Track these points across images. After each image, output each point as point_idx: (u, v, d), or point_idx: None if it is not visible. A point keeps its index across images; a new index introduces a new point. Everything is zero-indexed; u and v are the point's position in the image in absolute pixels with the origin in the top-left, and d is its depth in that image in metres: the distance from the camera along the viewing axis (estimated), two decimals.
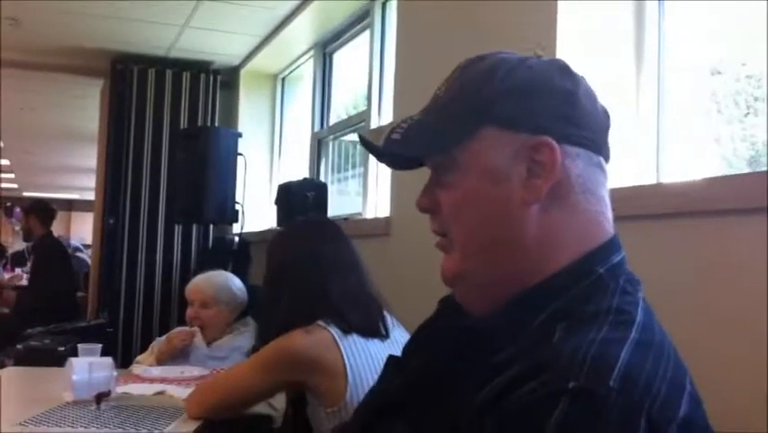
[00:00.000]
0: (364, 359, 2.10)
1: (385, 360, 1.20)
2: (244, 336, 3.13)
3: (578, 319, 0.84)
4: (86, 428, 2.10)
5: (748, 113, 2.12)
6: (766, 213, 1.47)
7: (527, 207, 0.92)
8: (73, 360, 2.41)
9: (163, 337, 3.21)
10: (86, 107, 7.21)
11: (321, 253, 2.22)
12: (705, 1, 2.13)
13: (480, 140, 0.94)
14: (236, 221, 5.11)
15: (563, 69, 0.97)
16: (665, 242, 1.72)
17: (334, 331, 2.08)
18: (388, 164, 1.11)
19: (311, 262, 2.21)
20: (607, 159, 0.98)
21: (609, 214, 0.97)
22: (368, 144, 1.02)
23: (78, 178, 13.92)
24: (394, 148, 0.98)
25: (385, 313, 2.21)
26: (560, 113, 0.93)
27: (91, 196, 9.38)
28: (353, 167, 4.87)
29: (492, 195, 0.93)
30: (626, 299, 0.88)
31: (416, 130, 0.98)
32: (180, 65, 5.83)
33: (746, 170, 2.01)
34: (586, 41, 2.16)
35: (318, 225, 2.41)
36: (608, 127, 0.98)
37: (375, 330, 2.14)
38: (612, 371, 0.76)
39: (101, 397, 2.29)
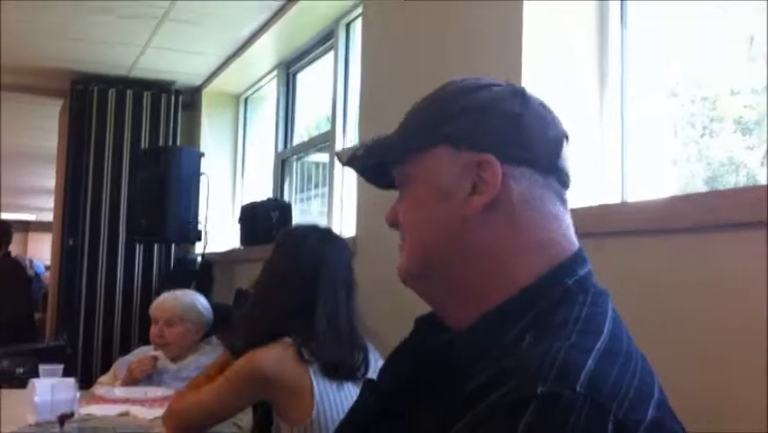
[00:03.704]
0: (333, 386, 2.09)
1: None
2: (209, 356, 3.10)
3: (546, 328, 0.87)
4: None
5: (704, 134, 2.16)
6: (729, 230, 1.50)
7: (466, 220, 0.96)
8: (35, 381, 2.39)
9: (127, 357, 3.18)
10: (44, 127, 7.12)
11: (316, 266, 2.18)
12: (664, 20, 2.17)
13: (432, 156, 1.00)
14: (199, 240, 5.08)
15: (516, 93, 1.02)
16: (630, 259, 1.75)
17: (302, 350, 2.07)
18: (367, 179, 1.15)
19: (303, 273, 2.18)
20: (561, 181, 1.01)
21: (567, 231, 1.00)
22: (340, 159, 1.11)
23: (36, 199, 13.72)
24: (356, 160, 1.08)
25: (369, 352, 2.19)
26: (505, 134, 0.98)
27: (49, 217, 9.23)
28: (316, 187, 4.88)
29: (438, 207, 0.99)
30: (594, 310, 0.91)
31: (378, 144, 1.07)
32: (141, 85, 5.78)
33: (703, 190, 2.05)
34: (551, 69, 2.19)
35: (325, 235, 2.35)
36: (558, 151, 1.00)
37: (353, 371, 2.13)
38: (579, 376, 0.78)
39: (64, 418, 2.26)
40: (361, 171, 1.13)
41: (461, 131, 0.99)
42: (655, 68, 2.21)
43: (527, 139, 0.98)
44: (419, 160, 1.01)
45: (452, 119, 1.00)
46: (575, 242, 1.00)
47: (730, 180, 2.06)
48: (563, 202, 1.01)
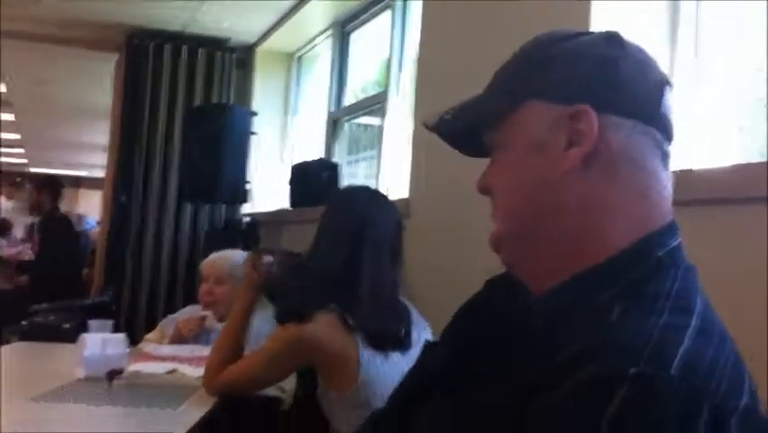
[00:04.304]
0: (380, 355, 2.07)
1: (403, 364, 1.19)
2: (257, 316, 3.07)
3: (636, 301, 0.82)
4: (98, 405, 2.07)
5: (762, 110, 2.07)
6: None
7: (564, 174, 0.91)
8: (86, 336, 2.39)
9: (174, 316, 3.16)
10: (98, 82, 7.16)
11: (363, 229, 2.14)
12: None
13: (522, 113, 0.94)
14: (247, 201, 5.06)
15: (611, 38, 0.95)
16: (695, 228, 1.67)
17: (348, 316, 2.05)
18: (457, 147, 1.08)
19: (349, 235, 2.14)
20: (664, 132, 0.93)
21: (665, 191, 0.93)
22: (426, 126, 1.04)
23: (87, 155, 13.91)
24: (443, 124, 1.01)
25: (413, 322, 2.16)
26: (600, 81, 0.91)
27: (99, 173, 9.32)
28: (364, 150, 4.83)
29: (532, 164, 0.93)
30: (685, 285, 0.86)
31: (466, 106, 1.01)
32: (196, 41, 5.76)
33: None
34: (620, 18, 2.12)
35: (375, 197, 2.31)
36: (659, 97, 0.93)
37: (399, 340, 2.10)
38: (674, 358, 0.74)
39: (114, 374, 2.26)
40: (450, 138, 1.05)
41: (551, 82, 0.93)
42: (727, 40, 2.12)
43: (625, 85, 0.91)
44: (509, 119, 0.95)
45: (541, 71, 0.94)
46: (670, 210, 0.94)
47: None
48: (665, 155, 0.93)
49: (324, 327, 2.03)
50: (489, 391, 0.90)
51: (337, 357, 2.03)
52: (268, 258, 2.31)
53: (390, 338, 2.07)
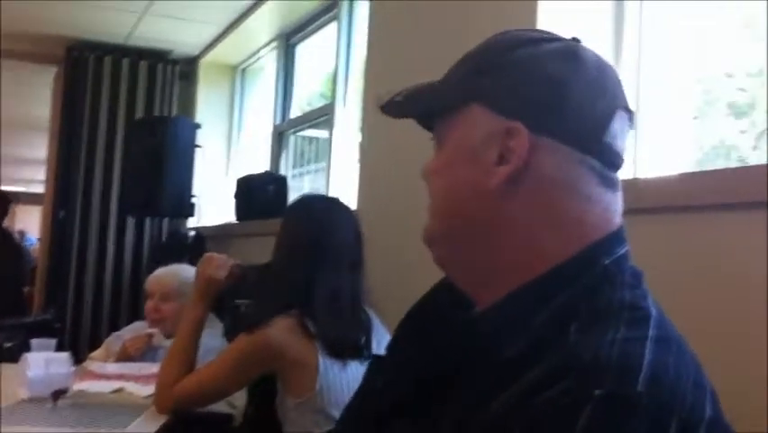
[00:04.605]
0: (338, 363, 2.06)
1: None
2: (205, 334, 3.02)
3: (591, 315, 0.81)
4: (44, 426, 2.01)
5: (697, 116, 2.12)
6: (743, 209, 1.47)
7: (492, 189, 0.88)
8: (28, 355, 2.33)
9: (119, 333, 3.09)
10: (35, 95, 7.01)
11: (321, 239, 2.13)
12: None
13: (467, 114, 0.92)
14: (192, 215, 4.99)
15: (568, 54, 0.91)
16: (642, 237, 1.69)
17: (308, 322, 2.04)
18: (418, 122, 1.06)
19: (307, 245, 2.13)
20: (608, 163, 0.90)
21: (604, 213, 0.90)
22: (378, 103, 1.02)
23: (25, 170, 13.56)
24: (392, 107, 0.99)
25: (373, 329, 2.15)
26: (542, 101, 0.88)
27: (38, 189, 9.11)
28: (308, 163, 4.81)
29: (464, 171, 0.92)
30: (635, 293, 0.85)
31: (418, 93, 0.98)
32: (138, 53, 5.68)
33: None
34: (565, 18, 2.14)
35: (333, 206, 2.30)
36: (604, 127, 0.89)
37: (358, 350, 2.09)
38: (639, 373, 0.73)
39: (58, 394, 2.20)
40: (400, 117, 1.02)
41: (495, 91, 0.90)
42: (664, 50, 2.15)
43: (568, 111, 0.88)
44: (453, 117, 0.93)
45: (489, 76, 0.91)
46: (615, 222, 0.91)
47: (719, 164, 2.04)
48: (607, 183, 0.90)
49: (283, 331, 2.02)
50: (450, 414, 0.87)
51: (297, 363, 2.03)
52: (230, 260, 2.29)
53: (349, 347, 2.07)
